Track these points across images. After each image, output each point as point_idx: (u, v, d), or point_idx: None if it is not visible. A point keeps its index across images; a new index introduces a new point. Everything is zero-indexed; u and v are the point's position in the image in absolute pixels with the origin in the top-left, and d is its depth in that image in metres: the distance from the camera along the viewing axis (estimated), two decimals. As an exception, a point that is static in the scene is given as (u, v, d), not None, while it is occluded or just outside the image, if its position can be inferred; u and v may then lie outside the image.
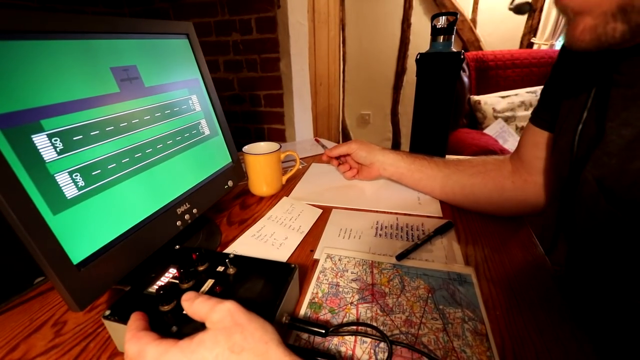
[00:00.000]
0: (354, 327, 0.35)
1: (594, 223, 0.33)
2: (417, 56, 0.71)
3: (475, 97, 1.89)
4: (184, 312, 0.30)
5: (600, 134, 0.32)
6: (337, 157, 0.71)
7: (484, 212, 0.58)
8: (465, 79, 1.88)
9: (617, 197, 0.29)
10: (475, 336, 0.34)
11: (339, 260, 0.46)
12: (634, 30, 0.24)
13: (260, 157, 0.64)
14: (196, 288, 0.34)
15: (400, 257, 0.45)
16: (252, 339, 0.24)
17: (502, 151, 1.46)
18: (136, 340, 0.26)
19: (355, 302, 0.39)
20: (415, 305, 0.38)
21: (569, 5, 0.27)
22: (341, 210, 0.61)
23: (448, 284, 0.41)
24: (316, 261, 0.46)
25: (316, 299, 0.39)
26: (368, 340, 0.34)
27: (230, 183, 0.58)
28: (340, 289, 0.41)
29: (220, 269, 0.37)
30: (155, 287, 0.34)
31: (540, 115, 0.48)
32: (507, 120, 1.84)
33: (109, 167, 0.36)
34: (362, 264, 0.45)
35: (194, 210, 0.48)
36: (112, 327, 0.32)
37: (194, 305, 0.27)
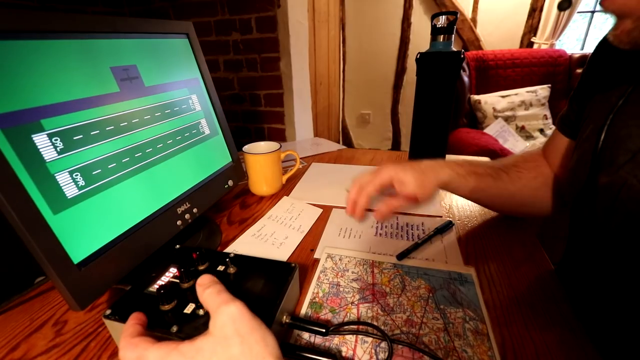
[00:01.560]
0: (355, 327, 0.35)
1: (634, 227, 0.31)
2: (417, 56, 0.71)
3: (476, 97, 1.89)
4: (186, 310, 0.30)
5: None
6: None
7: (509, 213, 0.56)
8: (466, 79, 1.88)
9: None
10: (477, 336, 0.34)
11: (340, 260, 0.46)
12: None
13: (260, 156, 0.64)
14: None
15: (401, 256, 0.45)
16: (250, 353, 0.23)
17: (502, 151, 1.46)
18: (133, 347, 0.25)
19: (356, 302, 0.39)
20: (416, 305, 0.38)
21: (609, 8, 0.29)
22: (341, 209, 0.61)
23: (449, 284, 0.41)
24: (316, 260, 0.47)
25: (317, 299, 0.39)
26: (369, 339, 0.34)
27: (230, 183, 0.58)
28: (341, 289, 0.41)
29: (221, 268, 0.37)
30: (156, 286, 0.34)
31: (564, 120, 0.48)
32: (507, 119, 1.84)
33: (109, 166, 0.36)
34: (362, 263, 0.45)
35: (194, 210, 0.48)
36: (112, 326, 0.32)
37: (204, 294, 0.27)
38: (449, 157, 0.83)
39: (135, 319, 0.28)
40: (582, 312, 0.37)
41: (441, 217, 0.57)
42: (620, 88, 0.35)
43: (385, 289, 0.40)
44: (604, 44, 0.42)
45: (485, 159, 0.85)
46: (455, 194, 0.49)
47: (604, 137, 0.35)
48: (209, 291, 0.26)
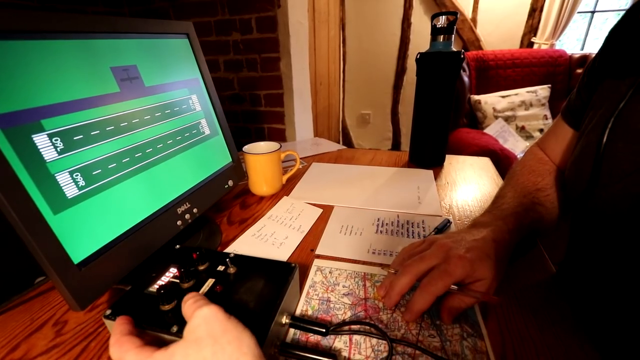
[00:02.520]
0: (355, 326, 0.35)
1: None
2: (417, 56, 0.71)
3: (476, 97, 1.89)
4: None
5: None
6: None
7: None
8: (466, 79, 1.88)
9: None
10: (476, 354, 0.32)
11: (330, 273, 0.44)
12: None
13: (261, 156, 0.64)
14: (197, 287, 0.34)
15: None
16: (223, 354, 0.23)
17: (502, 151, 1.46)
18: (118, 346, 0.25)
19: (347, 320, 0.37)
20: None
21: None
22: (342, 207, 0.61)
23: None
24: (317, 258, 0.47)
25: (306, 317, 0.37)
26: (369, 339, 0.34)
27: (230, 183, 0.58)
28: (332, 305, 0.39)
29: (221, 268, 0.37)
30: (156, 286, 0.34)
31: (570, 108, 0.46)
32: (507, 119, 1.84)
33: (109, 166, 0.36)
34: (354, 276, 0.43)
35: (195, 210, 0.48)
36: (112, 326, 0.32)
37: (184, 306, 0.27)
38: (450, 157, 0.83)
39: (124, 318, 0.29)
40: (582, 313, 0.36)
41: (441, 216, 0.57)
42: (631, 77, 0.34)
43: (378, 304, 0.38)
44: (622, 24, 0.39)
45: (486, 159, 0.85)
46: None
47: (611, 128, 0.33)
48: (188, 303, 0.27)
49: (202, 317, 0.25)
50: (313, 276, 0.44)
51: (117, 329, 0.27)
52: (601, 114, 0.37)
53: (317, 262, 0.46)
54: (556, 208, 0.47)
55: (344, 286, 0.42)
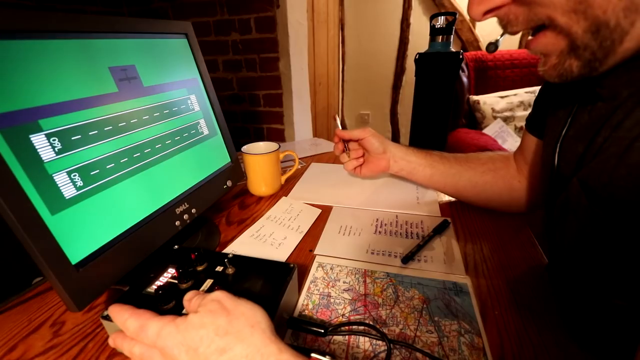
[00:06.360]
0: (353, 327, 0.35)
1: (577, 223, 0.33)
2: (416, 56, 0.71)
3: (474, 97, 1.89)
4: (184, 311, 0.30)
5: (585, 139, 0.34)
6: (346, 142, 0.64)
7: (494, 209, 0.58)
8: (464, 79, 1.88)
9: (597, 196, 0.31)
10: (472, 350, 0.33)
11: (331, 269, 0.45)
12: (586, 65, 0.29)
13: (259, 157, 0.64)
14: (195, 288, 0.34)
15: (406, 259, 0.45)
16: (237, 323, 0.25)
17: (501, 151, 1.46)
18: (137, 317, 0.28)
19: (347, 314, 0.37)
20: (410, 317, 0.37)
21: (536, 49, 0.33)
22: (342, 207, 0.61)
23: (444, 294, 0.40)
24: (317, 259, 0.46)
25: (307, 311, 0.38)
26: (367, 339, 0.34)
27: (229, 183, 0.58)
28: (332, 300, 0.39)
29: (219, 268, 0.37)
30: (154, 287, 0.34)
31: (532, 122, 0.50)
32: (506, 120, 1.85)
33: (107, 167, 0.36)
34: (354, 272, 0.44)
35: (193, 210, 0.48)
36: (110, 327, 0.31)
37: (191, 304, 0.28)
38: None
39: (119, 304, 0.30)
40: (569, 313, 0.36)
41: (439, 216, 0.57)
42: (567, 107, 0.38)
43: (377, 300, 0.39)
44: None
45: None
46: (414, 179, 0.61)
47: (559, 153, 0.37)
48: (195, 299, 0.29)
49: (214, 297, 0.27)
50: (314, 272, 0.44)
51: (123, 307, 0.29)
52: (551, 137, 0.40)
53: (318, 259, 0.47)
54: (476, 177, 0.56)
55: (344, 282, 0.42)
